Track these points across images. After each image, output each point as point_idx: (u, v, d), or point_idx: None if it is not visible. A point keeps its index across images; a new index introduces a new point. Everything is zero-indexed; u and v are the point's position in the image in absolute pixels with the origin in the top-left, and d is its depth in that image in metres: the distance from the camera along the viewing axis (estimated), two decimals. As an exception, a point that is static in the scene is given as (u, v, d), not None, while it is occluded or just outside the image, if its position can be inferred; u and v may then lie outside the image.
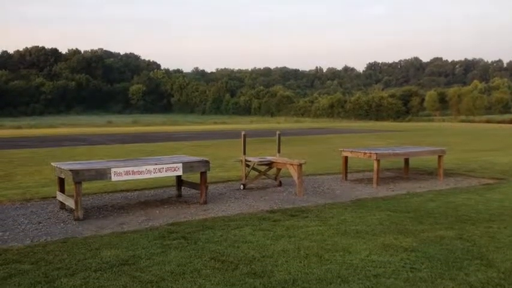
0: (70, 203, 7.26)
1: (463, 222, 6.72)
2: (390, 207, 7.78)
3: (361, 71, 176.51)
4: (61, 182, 7.87)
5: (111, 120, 63.82)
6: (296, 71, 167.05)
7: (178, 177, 8.91)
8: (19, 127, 47.85)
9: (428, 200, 8.46)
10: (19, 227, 6.63)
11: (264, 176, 10.32)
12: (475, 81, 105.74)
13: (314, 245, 5.55)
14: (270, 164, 9.95)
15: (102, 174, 7.19)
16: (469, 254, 5.23)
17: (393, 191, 9.62)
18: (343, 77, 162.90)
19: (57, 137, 29.75)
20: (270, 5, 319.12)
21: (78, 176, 6.97)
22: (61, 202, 7.80)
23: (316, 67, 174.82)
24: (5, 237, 6.05)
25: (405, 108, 79.12)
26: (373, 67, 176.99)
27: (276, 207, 7.87)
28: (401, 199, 8.62)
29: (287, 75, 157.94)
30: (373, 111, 78.81)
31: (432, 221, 6.79)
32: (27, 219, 7.10)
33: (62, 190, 7.84)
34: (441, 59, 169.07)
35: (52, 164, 8.10)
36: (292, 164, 9.19)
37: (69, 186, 7.82)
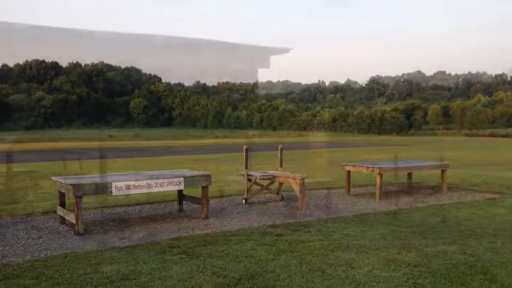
0: (71, 217, 7.22)
1: (467, 237, 6.66)
2: (393, 222, 7.73)
3: (364, 85, 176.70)
4: (62, 197, 7.84)
5: (112, 134, 63.78)
6: (298, 85, 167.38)
7: (180, 191, 8.87)
8: (19, 141, 47.82)
9: (431, 215, 8.40)
10: (19, 241, 6.60)
11: (266, 191, 10.27)
12: (479, 94, 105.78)
13: (316, 260, 5.50)
14: (272, 179, 9.91)
15: (103, 188, 7.17)
16: (472, 269, 5.18)
17: (396, 205, 9.57)
18: (345, 91, 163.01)
19: (58, 151, 29.76)
20: (270, 19, 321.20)
21: (79, 190, 6.94)
22: (61, 217, 7.76)
23: (319, 81, 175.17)
24: (5, 252, 6.02)
25: (408, 122, 79.08)
26: (375, 81, 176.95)
27: (278, 222, 7.82)
28: (404, 213, 8.57)
29: (289, 89, 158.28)
30: (375, 125, 78.73)
31: (435, 236, 6.73)
32: (28, 234, 7.07)
33: (63, 204, 7.81)
34: (444, 72, 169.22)
35: (53, 178, 8.08)
36: (294, 179, 9.16)
37: (70, 200, 7.78)
